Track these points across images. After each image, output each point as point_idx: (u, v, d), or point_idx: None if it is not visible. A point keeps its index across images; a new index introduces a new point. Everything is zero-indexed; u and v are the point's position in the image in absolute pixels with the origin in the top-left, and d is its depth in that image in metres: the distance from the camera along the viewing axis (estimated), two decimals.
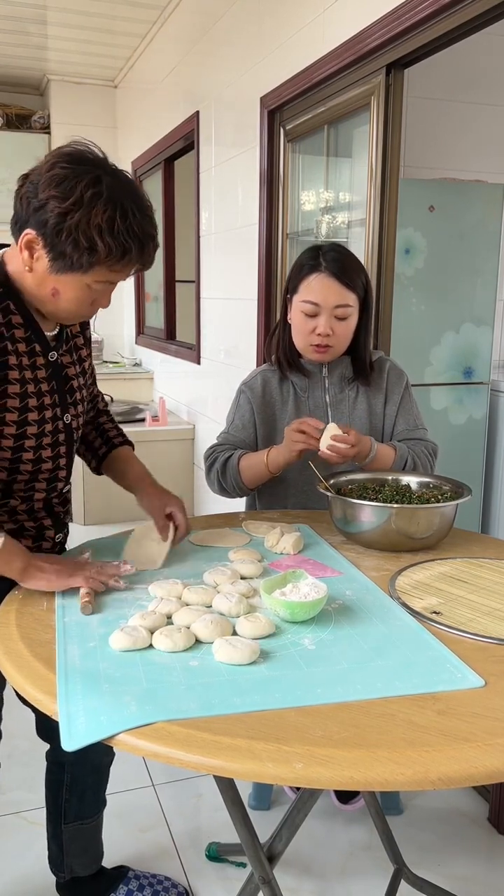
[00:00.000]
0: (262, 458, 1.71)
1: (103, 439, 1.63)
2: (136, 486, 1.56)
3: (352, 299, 1.67)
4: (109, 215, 1.14)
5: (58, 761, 1.63)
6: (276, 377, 1.81)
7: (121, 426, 1.70)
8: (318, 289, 1.65)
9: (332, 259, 1.66)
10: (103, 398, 1.70)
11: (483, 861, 1.90)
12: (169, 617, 1.16)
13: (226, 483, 1.76)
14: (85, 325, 1.51)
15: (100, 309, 1.31)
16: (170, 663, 1.04)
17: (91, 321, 1.52)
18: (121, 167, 1.23)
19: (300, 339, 1.73)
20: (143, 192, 1.24)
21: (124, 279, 1.28)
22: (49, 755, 1.66)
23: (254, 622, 1.11)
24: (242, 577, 1.32)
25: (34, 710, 1.53)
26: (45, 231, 1.16)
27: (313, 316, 1.67)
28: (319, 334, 1.67)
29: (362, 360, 1.77)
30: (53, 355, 1.37)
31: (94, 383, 1.61)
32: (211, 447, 1.82)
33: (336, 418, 1.77)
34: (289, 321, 1.76)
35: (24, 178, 1.21)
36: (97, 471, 1.65)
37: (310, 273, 1.67)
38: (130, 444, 1.66)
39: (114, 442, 1.63)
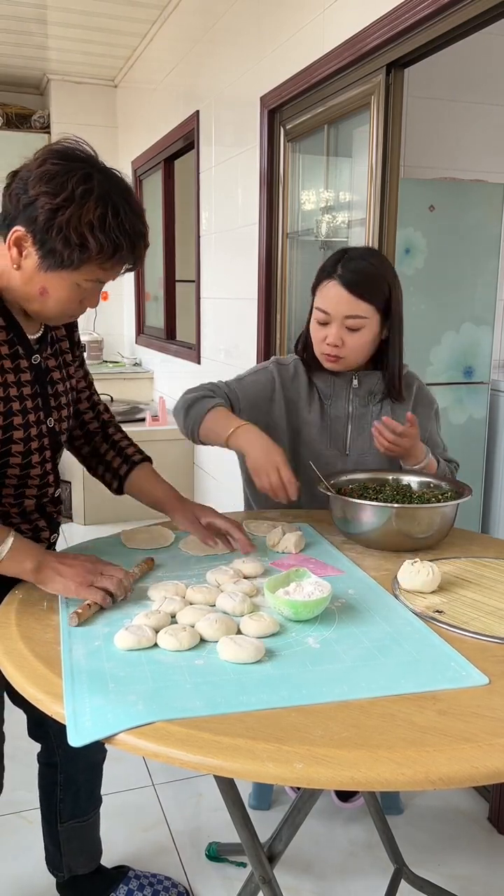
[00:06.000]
0: (228, 428, 1.55)
1: (122, 458, 1.57)
2: (165, 505, 1.51)
3: (365, 310, 1.59)
4: (101, 212, 1.14)
5: (50, 762, 1.63)
6: (306, 376, 1.75)
7: (124, 427, 1.67)
8: (329, 297, 1.61)
9: (350, 269, 1.59)
10: (107, 408, 1.65)
11: (483, 861, 1.90)
12: (173, 616, 1.16)
13: (184, 422, 1.65)
14: (72, 328, 1.48)
15: (96, 308, 1.30)
16: (175, 662, 1.04)
17: (91, 321, 1.52)
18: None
19: (315, 346, 1.69)
20: (133, 191, 1.23)
21: (114, 278, 1.26)
22: (41, 756, 1.65)
23: (258, 621, 1.11)
24: (245, 577, 1.32)
25: (26, 710, 1.53)
26: (34, 228, 1.15)
27: (325, 324, 1.63)
28: (329, 344, 1.63)
29: (391, 378, 1.70)
30: (37, 358, 1.34)
31: (88, 388, 1.56)
32: (204, 384, 1.74)
33: (356, 432, 1.72)
34: (309, 326, 1.72)
35: (13, 174, 1.19)
36: (118, 491, 1.58)
37: (325, 279, 1.62)
38: (149, 459, 1.61)
39: (133, 460, 1.57)
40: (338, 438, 1.73)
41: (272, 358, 1.82)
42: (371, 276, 1.60)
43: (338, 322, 1.61)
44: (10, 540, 1.20)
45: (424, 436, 1.73)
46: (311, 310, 1.70)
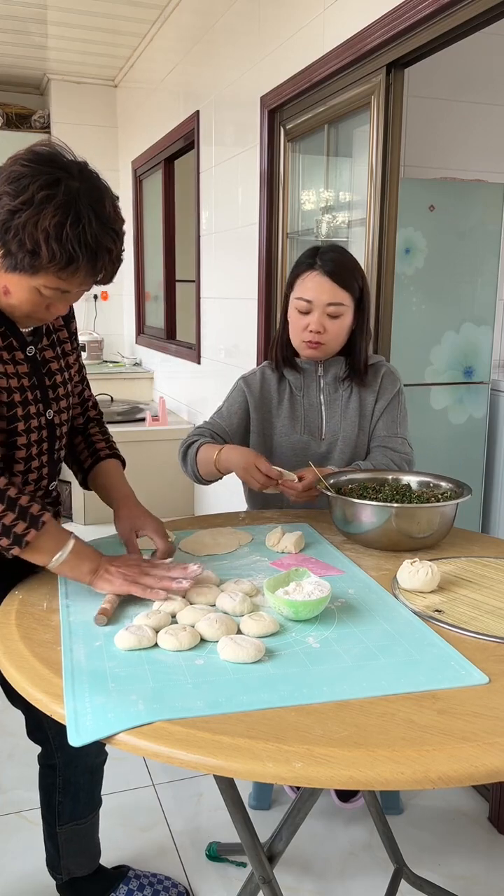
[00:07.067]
0: (213, 454, 1.68)
1: (90, 451, 1.56)
2: (116, 505, 1.47)
3: (344, 298, 1.69)
4: (59, 220, 1.10)
5: (50, 764, 1.62)
6: (275, 376, 1.84)
7: (120, 428, 1.66)
8: (311, 287, 1.69)
9: (327, 259, 1.69)
10: (96, 404, 1.63)
11: (483, 861, 1.90)
12: (173, 616, 1.16)
13: (186, 469, 1.78)
14: (69, 318, 1.47)
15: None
16: (175, 662, 1.04)
17: (91, 321, 1.51)
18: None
19: (295, 336, 1.76)
20: (113, 204, 1.18)
21: (83, 289, 1.22)
22: (41, 758, 1.65)
23: (258, 621, 1.12)
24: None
25: (25, 711, 1.53)
26: None
27: (306, 313, 1.71)
28: (311, 331, 1.70)
29: (357, 361, 1.79)
30: (31, 350, 1.34)
31: (80, 382, 1.54)
32: (193, 429, 1.84)
33: (329, 417, 1.80)
34: (288, 319, 1.78)
35: None
36: (84, 484, 1.57)
37: (305, 272, 1.71)
38: (120, 457, 1.59)
39: (100, 455, 1.55)
40: (312, 426, 1.81)
41: (238, 377, 1.89)
42: (347, 267, 1.71)
43: (319, 309, 1.69)
44: (71, 543, 1.22)
45: (378, 416, 1.80)
46: (286, 304, 1.78)
